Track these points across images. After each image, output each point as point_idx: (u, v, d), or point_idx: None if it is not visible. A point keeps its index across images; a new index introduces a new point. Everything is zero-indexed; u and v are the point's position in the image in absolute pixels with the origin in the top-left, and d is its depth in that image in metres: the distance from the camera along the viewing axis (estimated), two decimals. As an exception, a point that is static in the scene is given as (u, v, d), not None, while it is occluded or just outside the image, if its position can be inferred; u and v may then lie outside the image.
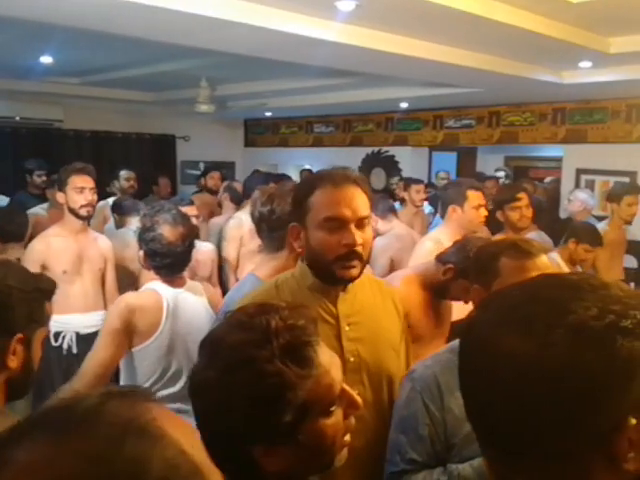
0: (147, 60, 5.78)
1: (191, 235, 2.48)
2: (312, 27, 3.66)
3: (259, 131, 10.47)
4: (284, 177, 5.39)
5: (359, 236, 1.57)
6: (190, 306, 2.48)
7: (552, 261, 3.99)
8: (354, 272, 1.60)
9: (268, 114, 9.41)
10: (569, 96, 6.03)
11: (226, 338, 1.03)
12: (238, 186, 5.69)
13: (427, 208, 6.41)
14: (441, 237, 3.38)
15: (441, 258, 2.41)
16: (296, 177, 9.39)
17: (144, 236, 2.40)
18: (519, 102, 6.82)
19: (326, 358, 1.05)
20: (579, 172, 6.55)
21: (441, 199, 3.85)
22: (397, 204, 5.96)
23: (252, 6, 3.40)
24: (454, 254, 2.37)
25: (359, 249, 1.57)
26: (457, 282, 2.32)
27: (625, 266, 5.08)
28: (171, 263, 2.41)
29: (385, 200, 4.86)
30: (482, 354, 0.74)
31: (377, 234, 4.45)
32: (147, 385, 2.36)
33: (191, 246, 2.49)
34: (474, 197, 3.51)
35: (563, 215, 6.15)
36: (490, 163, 8.80)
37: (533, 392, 0.69)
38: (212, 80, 6.62)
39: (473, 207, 3.49)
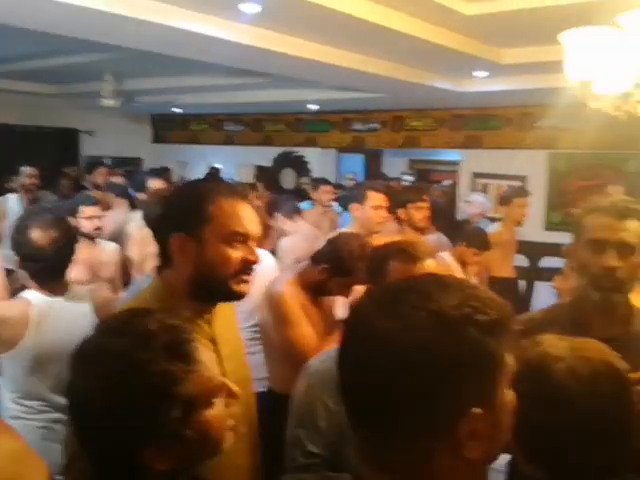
0: (48, 52, 5.60)
1: (65, 239, 2.35)
2: (216, 27, 3.69)
3: (168, 127, 10.30)
4: (166, 171, 5.34)
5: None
6: (67, 315, 2.35)
7: (443, 261, 4.22)
8: (249, 287, 1.54)
9: (177, 110, 9.29)
10: (466, 103, 6.35)
11: (103, 346, 1.02)
12: (118, 179, 5.59)
13: (337, 208, 6.57)
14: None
15: (316, 258, 2.48)
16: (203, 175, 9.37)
17: (16, 240, 2.30)
18: (421, 108, 7.10)
19: (205, 352, 1.10)
20: (475, 176, 6.92)
21: (344, 199, 4.00)
22: (308, 204, 6.08)
23: (157, 5, 3.40)
24: (326, 255, 2.44)
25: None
26: (334, 280, 2.40)
27: (516, 265, 5.41)
28: (43, 268, 2.30)
29: (291, 201, 4.95)
30: (357, 336, 0.80)
31: (283, 234, 4.53)
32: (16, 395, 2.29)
33: (66, 250, 2.36)
34: (374, 197, 3.64)
35: (460, 217, 6.47)
36: (395, 166, 9.11)
37: (393, 370, 0.74)
38: (118, 74, 6.48)
39: (372, 207, 3.62)
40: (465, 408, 0.74)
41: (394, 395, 0.75)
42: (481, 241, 4.22)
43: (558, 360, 1.08)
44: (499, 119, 6.63)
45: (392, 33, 3.72)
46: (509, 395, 0.81)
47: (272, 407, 2.13)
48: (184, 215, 1.49)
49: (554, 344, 1.15)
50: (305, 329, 2.44)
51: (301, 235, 4.57)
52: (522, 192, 5.31)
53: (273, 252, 4.47)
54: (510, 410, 0.81)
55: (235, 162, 9.19)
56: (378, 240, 2.84)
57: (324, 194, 5.97)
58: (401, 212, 3.99)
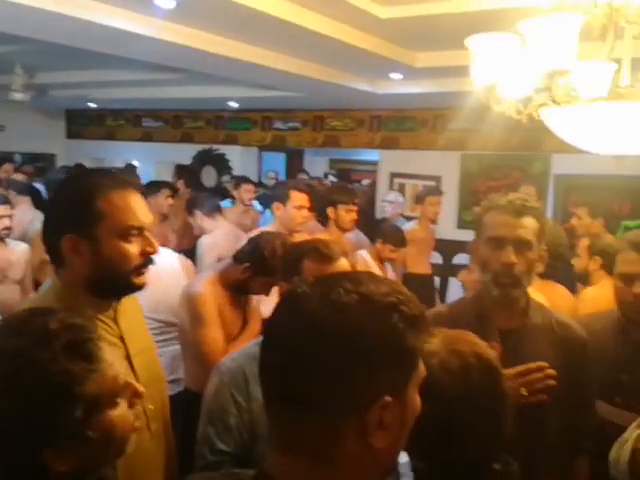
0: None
1: None
2: (130, 21, 3.62)
3: (83, 122, 9.96)
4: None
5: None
6: None
7: (362, 259, 4.30)
8: (147, 278, 1.53)
9: (93, 105, 9.00)
10: (384, 105, 6.50)
11: (1, 346, 1.00)
12: (19, 176, 5.38)
13: (258, 207, 6.56)
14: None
15: (238, 257, 2.50)
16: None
17: None
18: (340, 108, 7.21)
19: (108, 351, 1.08)
20: (392, 176, 7.09)
21: (266, 197, 4.02)
22: (229, 202, 6.05)
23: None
24: (249, 254, 2.46)
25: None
26: (257, 279, 2.43)
27: (432, 262, 5.59)
28: None
29: (211, 199, 4.91)
30: (286, 315, 0.82)
31: (203, 232, 4.50)
32: None
33: None
34: (297, 197, 3.68)
35: (380, 216, 6.61)
36: (316, 165, 9.20)
37: (318, 349, 0.77)
38: (29, 67, 6.22)
39: (295, 207, 3.66)
40: (378, 395, 0.77)
41: (314, 374, 0.77)
42: (397, 238, 4.35)
43: (432, 355, 1.11)
44: (414, 121, 6.83)
45: (308, 33, 3.76)
46: (417, 397, 0.85)
47: (187, 406, 2.13)
48: (73, 215, 1.43)
49: (430, 340, 1.20)
50: (216, 332, 2.44)
51: (222, 234, 4.55)
52: (435, 191, 5.51)
53: (193, 251, 4.44)
54: (416, 410, 0.85)
55: (153, 159, 9.00)
56: (300, 238, 2.89)
57: (245, 193, 5.95)
58: (330, 211, 4.05)
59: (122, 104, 8.56)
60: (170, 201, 4.85)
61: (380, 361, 0.78)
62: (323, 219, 4.13)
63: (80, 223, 1.41)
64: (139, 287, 1.51)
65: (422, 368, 0.84)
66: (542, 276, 3.06)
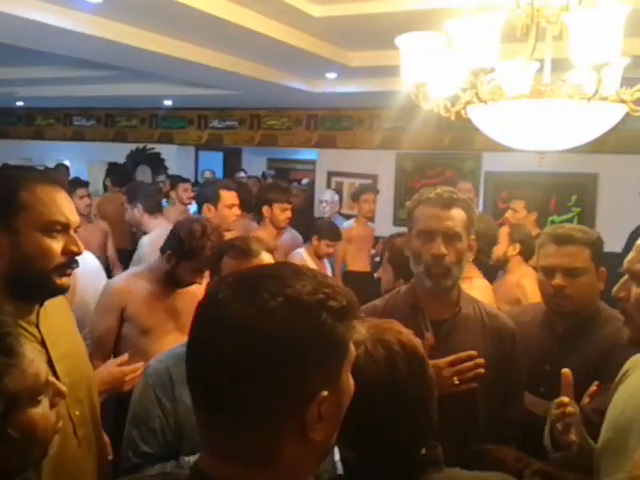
0: None
1: None
2: (56, 16, 3.51)
3: (10, 121, 9.58)
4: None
5: None
6: None
7: (299, 257, 4.31)
8: (70, 280, 1.47)
9: (19, 103, 8.67)
10: (320, 104, 6.53)
11: None
12: None
13: (194, 207, 6.46)
14: None
15: (162, 249, 2.52)
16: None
17: None
18: (277, 107, 7.20)
19: (29, 348, 1.05)
20: (330, 174, 7.14)
21: (197, 197, 3.98)
22: (165, 202, 5.96)
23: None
24: (169, 241, 2.50)
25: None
26: (182, 266, 2.44)
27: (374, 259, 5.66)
28: None
29: (154, 196, 4.83)
30: (211, 322, 0.80)
31: (140, 228, 4.43)
32: None
33: None
34: (227, 197, 3.68)
35: (317, 215, 6.64)
36: (254, 164, 9.16)
37: (250, 355, 0.75)
38: (-52, 62, 5.93)
39: (226, 206, 3.66)
40: (315, 392, 0.77)
41: (248, 381, 0.76)
42: (332, 232, 4.41)
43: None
44: (351, 120, 6.90)
45: (241, 30, 3.74)
46: (350, 379, 0.85)
47: (118, 410, 2.10)
48: None
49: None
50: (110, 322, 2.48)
51: (162, 234, 4.47)
52: (369, 189, 5.60)
53: (129, 250, 4.35)
54: (350, 393, 0.85)
55: (86, 159, 8.76)
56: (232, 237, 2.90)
57: (184, 192, 5.89)
58: (265, 209, 4.06)
59: (52, 102, 8.28)
60: (87, 201, 4.76)
61: (314, 360, 0.78)
62: (258, 217, 4.13)
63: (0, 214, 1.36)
64: (60, 289, 1.45)
65: (352, 350, 0.84)
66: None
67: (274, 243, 4.04)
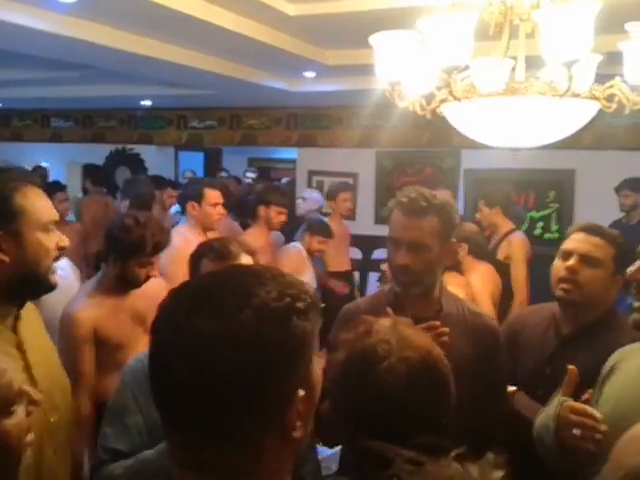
0: None
1: None
2: (29, 16, 3.46)
3: (-14, 124, 9.45)
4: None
5: None
6: None
7: (295, 250, 4.30)
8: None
9: (-4, 105, 8.57)
10: (300, 103, 6.52)
11: None
12: None
13: (177, 208, 6.38)
14: (186, 232, 3.50)
15: (103, 258, 2.50)
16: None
17: None
18: (257, 106, 7.17)
19: (2, 359, 1.05)
20: (311, 173, 7.13)
21: (180, 196, 3.97)
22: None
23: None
24: (107, 245, 2.46)
25: None
26: (129, 264, 2.39)
27: (351, 257, 5.66)
28: None
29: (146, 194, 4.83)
30: (175, 338, 0.77)
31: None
32: None
33: None
34: (211, 195, 3.67)
35: (298, 213, 6.63)
36: (235, 164, 9.11)
37: (224, 372, 0.73)
38: None
39: (210, 204, 3.65)
40: (293, 393, 0.77)
41: (225, 398, 0.74)
42: (324, 229, 4.43)
43: (382, 360, 1.16)
44: (330, 118, 6.89)
45: (216, 29, 3.72)
46: (318, 370, 0.84)
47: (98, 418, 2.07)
48: None
49: (383, 338, 1.21)
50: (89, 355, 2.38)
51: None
52: (346, 187, 5.60)
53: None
54: (320, 381, 0.85)
55: (64, 161, 8.67)
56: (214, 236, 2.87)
57: (168, 198, 5.79)
58: (262, 209, 4.12)
59: (29, 104, 8.18)
60: (66, 205, 4.75)
61: (290, 365, 0.77)
62: (251, 216, 4.16)
63: (1, 220, 1.43)
64: (53, 286, 1.53)
65: (316, 339, 0.84)
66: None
67: (265, 244, 4.05)
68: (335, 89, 5.53)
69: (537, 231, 5.89)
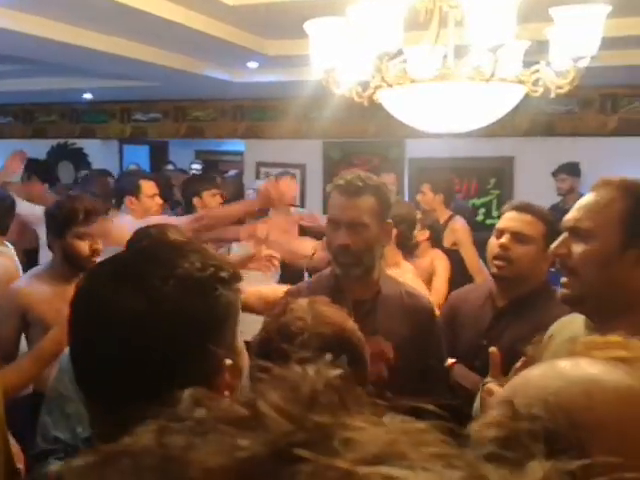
0: None
1: None
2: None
3: None
4: None
5: None
6: None
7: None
8: None
9: None
10: (244, 94, 6.48)
11: None
12: None
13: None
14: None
15: (48, 245, 2.55)
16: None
17: None
18: (202, 98, 7.10)
19: None
20: (259, 165, 7.11)
21: (115, 191, 3.91)
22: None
23: None
24: (48, 231, 2.54)
25: None
26: (69, 241, 2.42)
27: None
28: None
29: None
30: (98, 311, 0.77)
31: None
32: None
33: None
34: (147, 186, 3.64)
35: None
36: (182, 156, 9.02)
37: (151, 345, 0.74)
38: None
39: (148, 196, 3.61)
40: (220, 363, 0.78)
41: (154, 373, 0.74)
42: None
43: (295, 336, 1.18)
44: (276, 110, 6.87)
45: (156, 19, 3.67)
46: (240, 342, 0.87)
47: (35, 407, 2.05)
48: None
49: (298, 315, 1.24)
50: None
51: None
52: (286, 174, 5.59)
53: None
54: (244, 356, 0.88)
55: (3, 157, 8.40)
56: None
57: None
58: (197, 201, 4.06)
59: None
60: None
61: (216, 333, 0.78)
62: (190, 210, 4.11)
63: None
64: None
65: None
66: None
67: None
68: (279, 79, 5.52)
69: (479, 217, 6.03)
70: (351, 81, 2.41)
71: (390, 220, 2.01)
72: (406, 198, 6.25)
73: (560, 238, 1.49)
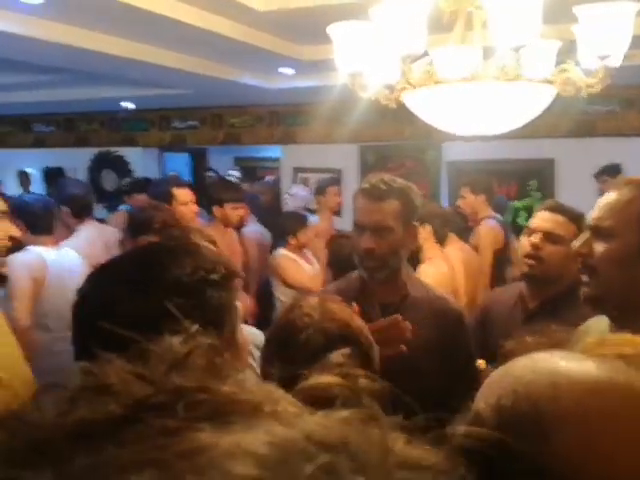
0: None
1: None
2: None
3: (-32, 131, 9.41)
4: None
5: None
6: None
7: (283, 257, 4.21)
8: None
9: (-23, 111, 8.54)
10: (280, 100, 6.52)
11: None
12: None
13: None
14: None
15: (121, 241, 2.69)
16: (15, 181, 8.70)
17: None
18: (238, 105, 7.17)
19: None
20: (296, 170, 7.13)
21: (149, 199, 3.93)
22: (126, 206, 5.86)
23: None
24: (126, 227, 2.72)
25: None
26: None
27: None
28: None
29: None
30: (96, 308, 0.81)
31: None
32: None
33: None
34: (181, 194, 3.67)
35: (285, 210, 6.62)
36: (221, 163, 9.12)
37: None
38: None
39: (181, 204, 3.64)
40: None
41: None
42: (297, 221, 4.33)
43: (304, 328, 1.18)
44: (311, 115, 6.87)
45: (187, 27, 3.71)
46: (243, 335, 0.91)
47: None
48: None
49: (306, 312, 1.24)
50: None
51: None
52: (334, 181, 5.59)
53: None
54: (247, 348, 0.89)
55: (48, 165, 8.66)
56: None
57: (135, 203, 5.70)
58: (216, 210, 3.99)
59: (8, 109, 8.14)
60: None
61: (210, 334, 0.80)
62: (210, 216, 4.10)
63: None
64: None
65: (239, 306, 0.89)
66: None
67: (225, 241, 4.01)
68: (313, 84, 5.52)
69: (520, 220, 5.91)
70: (378, 84, 2.38)
71: (416, 222, 1.99)
72: (445, 203, 6.17)
73: (582, 236, 1.46)
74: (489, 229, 4.25)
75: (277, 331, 1.23)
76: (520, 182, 6.03)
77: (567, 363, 0.53)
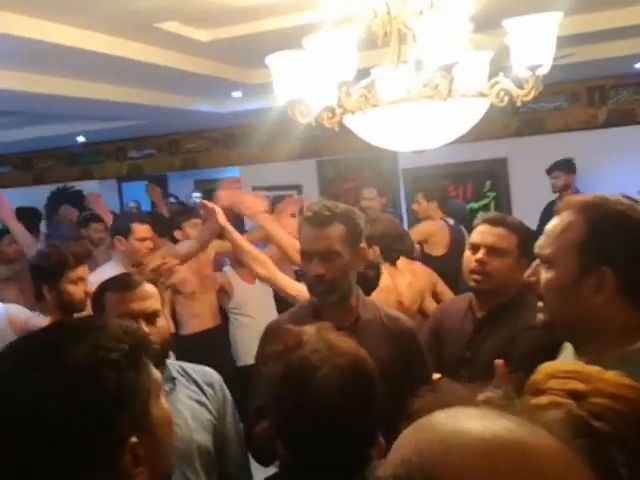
0: None
1: None
2: None
3: None
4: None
5: None
6: None
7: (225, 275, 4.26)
8: None
9: None
10: (234, 122, 6.54)
11: None
12: None
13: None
14: (115, 266, 3.49)
15: (37, 296, 2.68)
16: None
17: None
18: (193, 130, 7.17)
19: None
20: (255, 189, 7.12)
21: (110, 231, 3.94)
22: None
23: None
24: (35, 276, 2.67)
25: None
26: (63, 287, 2.53)
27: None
28: None
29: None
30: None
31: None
32: None
33: None
34: (139, 230, 3.66)
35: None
36: (182, 188, 9.07)
37: (32, 441, 0.73)
38: None
39: (137, 239, 3.64)
40: (122, 442, 0.76)
41: (38, 473, 0.74)
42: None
43: (316, 370, 1.19)
44: (267, 133, 6.82)
45: (135, 63, 3.73)
46: (162, 408, 0.84)
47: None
48: None
49: (314, 348, 1.24)
50: None
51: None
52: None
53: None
54: (167, 421, 0.85)
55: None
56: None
57: (94, 232, 5.63)
58: (177, 234, 4.09)
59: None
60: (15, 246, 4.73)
61: (109, 417, 0.76)
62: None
63: None
64: None
65: (156, 379, 0.84)
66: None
67: (198, 262, 4.03)
68: (264, 106, 5.55)
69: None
70: (316, 109, 2.41)
71: (363, 244, 2.01)
72: (403, 209, 6.26)
73: (533, 264, 1.47)
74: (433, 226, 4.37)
75: (294, 372, 1.21)
76: (476, 183, 6.15)
77: (465, 424, 0.52)
